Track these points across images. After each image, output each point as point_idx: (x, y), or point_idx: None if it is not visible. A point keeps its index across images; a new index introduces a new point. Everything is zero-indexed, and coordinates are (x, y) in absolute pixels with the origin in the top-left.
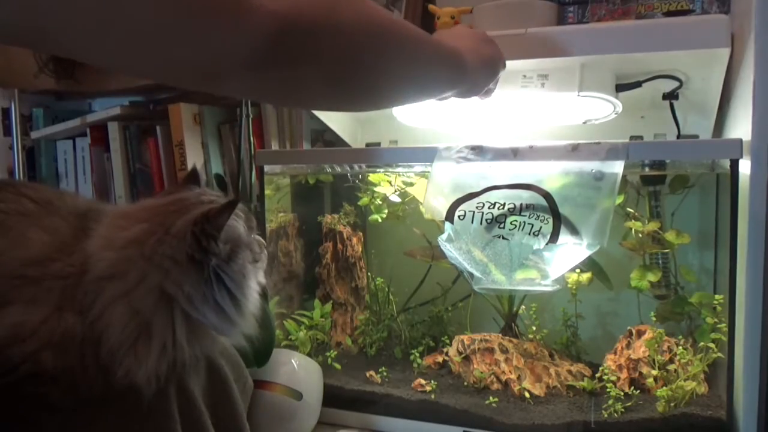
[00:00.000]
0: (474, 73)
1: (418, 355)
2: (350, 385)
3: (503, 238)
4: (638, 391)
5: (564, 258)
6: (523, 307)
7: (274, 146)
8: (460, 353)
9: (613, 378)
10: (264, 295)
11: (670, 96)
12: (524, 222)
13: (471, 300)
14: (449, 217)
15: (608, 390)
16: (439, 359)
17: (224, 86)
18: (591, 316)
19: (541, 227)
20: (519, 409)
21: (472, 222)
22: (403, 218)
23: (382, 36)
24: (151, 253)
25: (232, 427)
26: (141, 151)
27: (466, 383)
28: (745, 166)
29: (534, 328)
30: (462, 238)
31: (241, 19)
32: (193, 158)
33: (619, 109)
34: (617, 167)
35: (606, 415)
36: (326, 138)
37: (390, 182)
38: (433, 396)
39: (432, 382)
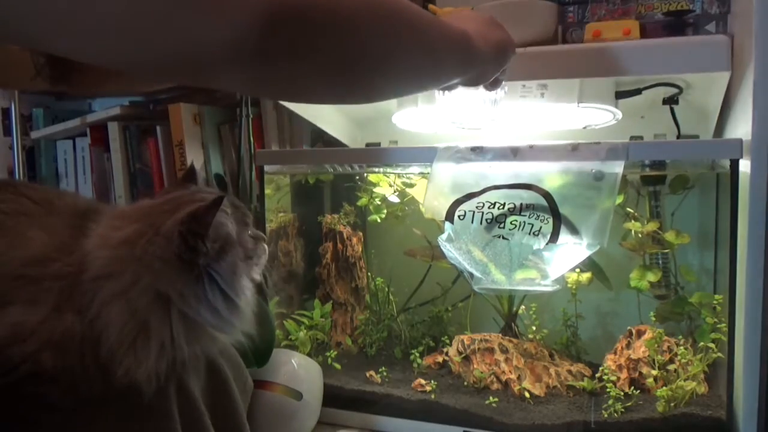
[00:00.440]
0: (483, 60)
1: (418, 355)
2: (350, 385)
3: (503, 238)
4: (638, 391)
5: (564, 258)
6: (523, 307)
7: (274, 146)
8: (460, 353)
9: (613, 378)
10: (263, 294)
11: (670, 101)
12: (524, 222)
13: (471, 300)
14: (449, 217)
15: (608, 390)
16: (439, 359)
17: (214, 80)
18: (591, 316)
19: (541, 227)
20: (519, 409)
21: (472, 222)
22: (402, 218)
23: (386, 19)
24: (141, 253)
25: (232, 427)
26: (141, 151)
27: (466, 383)
28: (745, 166)
29: (534, 328)
30: (462, 238)
31: (227, 6)
32: (193, 158)
33: (619, 116)
34: (617, 167)
35: (606, 415)
36: (326, 138)
37: (389, 183)
38: (433, 396)
39: (432, 382)
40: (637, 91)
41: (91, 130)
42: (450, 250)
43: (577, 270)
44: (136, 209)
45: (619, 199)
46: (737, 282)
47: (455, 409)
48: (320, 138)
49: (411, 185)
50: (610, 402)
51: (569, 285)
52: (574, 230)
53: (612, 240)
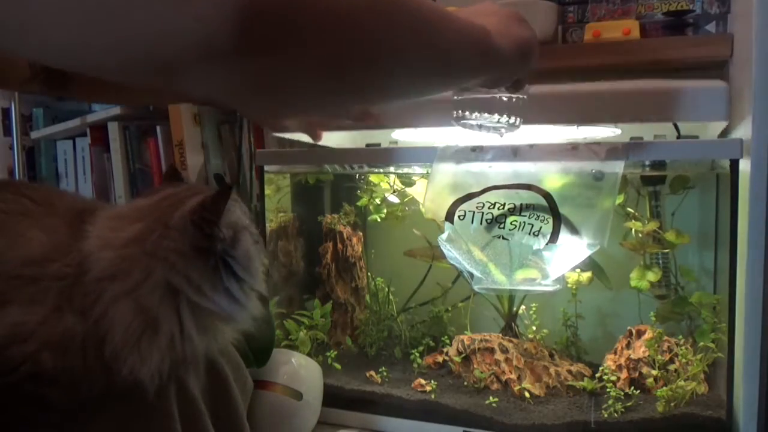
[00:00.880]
0: (504, 60)
1: (418, 355)
2: (350, 385)
3: (503, 238)
4: (638, 391)
5: (564, 258)
6: (523, 307)
7: (274, 146)
8: (460, 353)
9: (613, 378)
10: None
11: None
12: (524, 222)
13: (471, 300)
14: (449, 217)
15: (608, 390)
16: (439, 359)
17: (188, 82)
18: (591, 316)
19: (541, 227)
20: (519, 409)
21: (472, 222)
22: (402, 218)
23: (387, 12)
24: (154, 248)
25: (232, 427)
26: (141, 151)
27: (466, 383)
28: (745, 166)
29: (534, 328)
30: (462, 238)
31: None
32: (193, 158)
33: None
34: (617, 167)
35: (606, 415)
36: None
37: (389, 182)
38: (433, 396)
39: (432, 382)
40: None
41: (91, 130)
42: (450, 250)
43: (577, 270)
44: (132, 209)
45: (619, 199)
46: (737, 282)
47: (455, 409)
48: None
49: (411, 183)
50: (610, 402)
51: (569, 285)
52: (574, 230)
53: (612, 240)
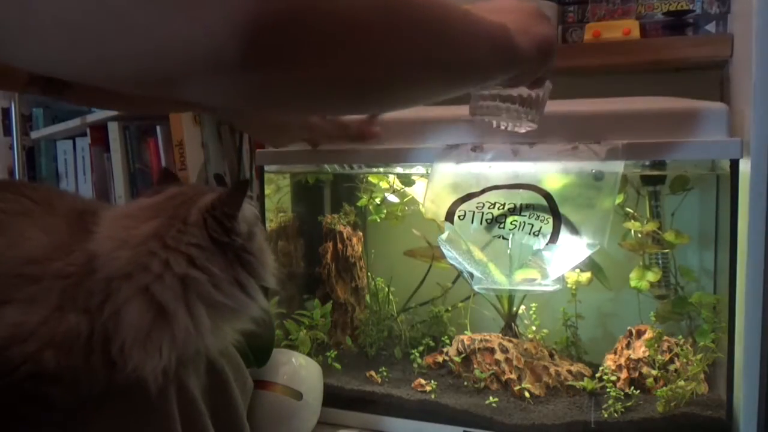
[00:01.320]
0: (524, 59)
1: (418, 355)
2: (350, 385)
3: (503, 238)
4: (638, 391)
5: (564, 258)
6: (523, 307)
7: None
8: (460, 353)
9: (613, 378)
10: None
11: None
12: (524, 222)
13: (471, 300)
14: (449, 217)
15: (608, 390)
16: (439, 359)
17: (193, 93)
18: (591, 316)
19: (541, 227)
20: (519, 409)
21: (472, 222)
22: (402, 218)
23: (402, 16)
24: (175, 243)
25: (232, 427)
26: (141, 151)
27: (466, 383)
28: (745, 166)
29: (534, 328)
30: (462, 238)
31: (198, 7)
32: (193, 158)
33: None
34: (617, 167)
35: (606, 415)
36: None
37: (388, 183)
38: (433, 396)
39: (432, 382)
40: None
41: (91, 130)
42: (450, 250)
43: (577, 270)
44: (140, 208)
45: (619, 199)
46: (737, 282)
47: (455, 409)
48: None
49: (410, 184)
50: (610, 402)
51: (569, 285)
52: (574, 230)
53: (612, 240)
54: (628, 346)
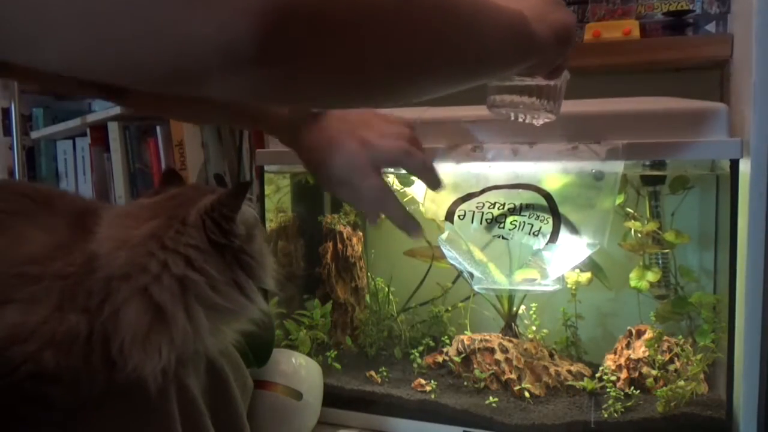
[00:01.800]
0: (542, 47)
1: (418, 355)
2: (350, 385)
3: (503, 238)
4: (638, 391)
5: (564, 258)
6: (523, 307)
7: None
8: (460, 353)
9: (613, 378)
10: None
11: None
12: (524, 222)
13: (471, 300)
14: (449, 216)
15: (608, 390)
16: (439, 359)
17: (208, 88)
18: (591, 316)
19: (541, 227)
20: (519, 409)
21: (472, 222)
22: None
23: (419, 12)
24: (173, 244)
25: (232, 427)
26: (141, 151)
27: (466, 383)
28: (745, 166)
29: (534, 328)
30: (462, 238)
31: (213, 3)
32: (193, 158)
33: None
34: (617, 167)
35: (606, 415)
36: None
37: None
38: (433, 396)
39: (432, 382)
40: None
41: (91, 130)
42: (450, 250)
43: (577, 270)
44: (140, 208)
45: (619, 199)
46: (737, 282)
47: (455, 409)
48: None
49: (410, 184)
50: (610, 402)
51: (569, 285)
52: (573, 230)
53: (612, 240)
54: (628, 346)
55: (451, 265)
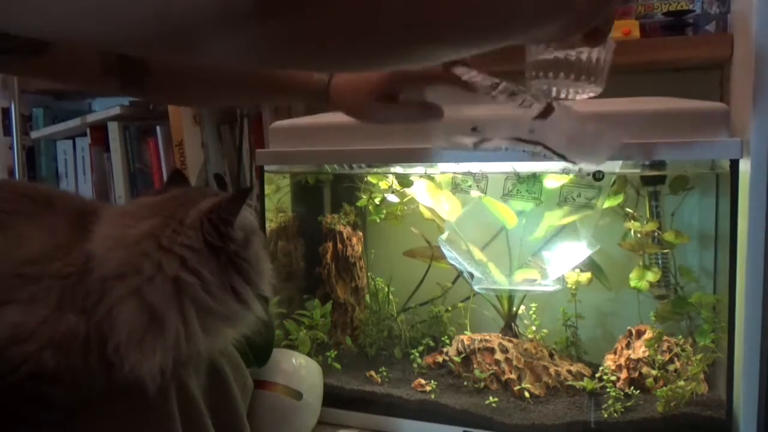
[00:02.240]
0: (575, 1)
1: (418, 355)
2: (350, 385)
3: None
4: (638, 391)
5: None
6: (523, 307)
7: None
8: (460, 353)
9: (613, 378)
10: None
11: None
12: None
13: (471, 300)
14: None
15: (608, 390)
16: (439, 359)
17: (203, 48)
18: (591, 316)
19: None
20: (519, 409)
21: None
22: (402, 218)
23: None
24: (169, 244)
25: (233, 427)
26: (141, 151)
27: (466, 383)
28: (745, 166)
29: (534, 328)
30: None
31: None
32: (193, 158)
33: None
34: (615, 167)
35: (606, 415)
36: None
37: (388, 183)
38: (433, 396)
39: (432, 382)
40: None
41: (91, 130)
42: (450, 251)
43: (577, 270)
44: (140, 207)
45: (619, 199)
46: (737, 282)
47: (455, 409)
48: None
49: (409, 184)
50: (610, 402)
51: (569, 285)
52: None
53: (612, 240)
54: (628, 346)
55: (451, 265)
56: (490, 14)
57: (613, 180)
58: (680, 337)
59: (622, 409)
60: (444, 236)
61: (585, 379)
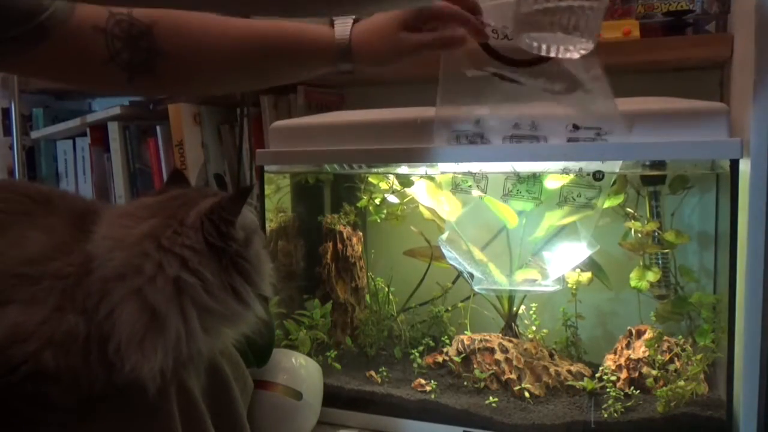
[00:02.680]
0: None
1: (418, 355)
2: (350, 385)
3: None
4: (638, 391)
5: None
6: (523, 307)
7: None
8: (460, 353)
9: (613, 378)
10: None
11: None
12: None
13: (471, 300)
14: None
15: (608, 390)
16: (439, 359)
17: None
18: (591, 316)
19: None
20: (519, 409)
21: None
22: (402, 218)
23: None
24: (170, 244)
25: (233, 427)
26: (141, 151)
27: (466, 383)
28: (745, 166)
29: (534, 328)
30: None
31: None
32: (193, 158)
33: None
34: (617, 167)
35: (606, 415)
36: None
37: (388, 183)
38: (433, 396)
39: (432, 382)
40: None
41: (91, 130)
42: (450, 251)
43: (578, 270)
44: (140, 207)
45: (619, 199)
46: (737, 282)
47: (455, 409)
48: None
49: (409, 184)
50: (610, 402)
51: (569, 285)
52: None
53: (612, 240)
54: (628, 346)
55: (451, 265)
56: None
57: (613, 180)
58: (680, 337)
59: (622, 409)
60: (444, 236)
61: (585, 379)
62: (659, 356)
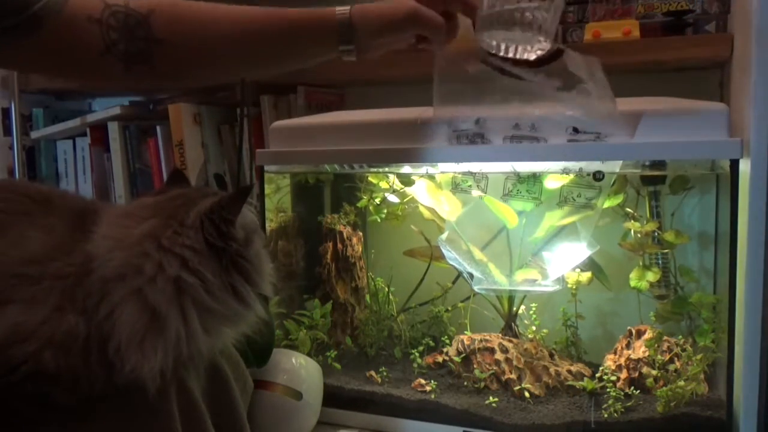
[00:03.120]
0: None
1: (418, 355)
2: (350, 385)
3: None
4: (638, 391)
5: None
6: (523, 307)
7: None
8: (460, 353)
9: (613, 378)
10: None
11: None
12: None
13: (471, 300)
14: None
15: (608, 390)
16: (439, 359)
17: None
18: (591, 316)
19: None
20: (519, 409)
21: None
22: (402, 218)
23: None
24: (170, 244)
25: (233, 427)
26: (141, 151)
27: (466, 383)
28: (745, 166)
29: (534, 328)
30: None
31: None
32: (193, 158)
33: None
34: (615, 166)
35: (606, 415)
36: None
37: (388, 183)
38: (433, 396)
39: (432, 382)
40: None
41: (91, 130)
42: (450, 251)
43: (577, 270)
44: (140, 207)
45: (620, 199)
46: (737, 282)
47: (455, 409)
48: None
49: (410, 183)
50: (610, 402)
51: (569, 285)
52: None
53: (612, 240)
54: (628, 346)
55: (451, 265)
56: None
57: (613, 180)
58: (680, 337)
59: (622, 409)
60: (444, 236)
61: (585, 379)
62: (659, 356)
